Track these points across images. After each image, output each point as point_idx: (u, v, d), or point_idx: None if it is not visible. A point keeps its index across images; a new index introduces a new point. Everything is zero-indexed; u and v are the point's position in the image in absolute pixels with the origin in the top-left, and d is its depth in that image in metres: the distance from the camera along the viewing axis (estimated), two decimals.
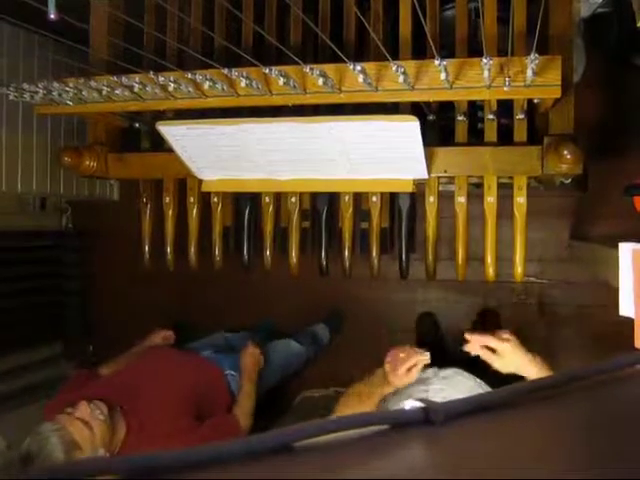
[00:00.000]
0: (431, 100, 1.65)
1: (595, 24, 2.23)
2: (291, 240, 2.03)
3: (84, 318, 3.41)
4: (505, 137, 1.83)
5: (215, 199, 2.06)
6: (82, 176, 2.10)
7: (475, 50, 1.67)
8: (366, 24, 1.46)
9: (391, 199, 2.17)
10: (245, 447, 0.37)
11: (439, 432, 0.41)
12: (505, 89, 1.44)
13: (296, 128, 1.63)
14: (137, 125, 2.09)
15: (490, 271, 1.84)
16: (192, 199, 2.06)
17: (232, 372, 2.25)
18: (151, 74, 1.55)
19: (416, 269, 2.18)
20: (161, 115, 1.89)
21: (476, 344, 1.43)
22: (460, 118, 1.84)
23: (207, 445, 0.36)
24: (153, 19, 2.04)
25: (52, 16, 1.18)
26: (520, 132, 1.80)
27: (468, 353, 1.43)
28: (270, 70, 1.44)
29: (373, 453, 0.38)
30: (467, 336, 1.44)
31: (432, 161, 1.78)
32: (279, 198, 2.08)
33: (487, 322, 2.92)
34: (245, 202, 2.15)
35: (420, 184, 1.84)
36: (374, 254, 1.99)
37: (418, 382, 1.56)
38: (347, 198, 1.94)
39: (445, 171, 1.81)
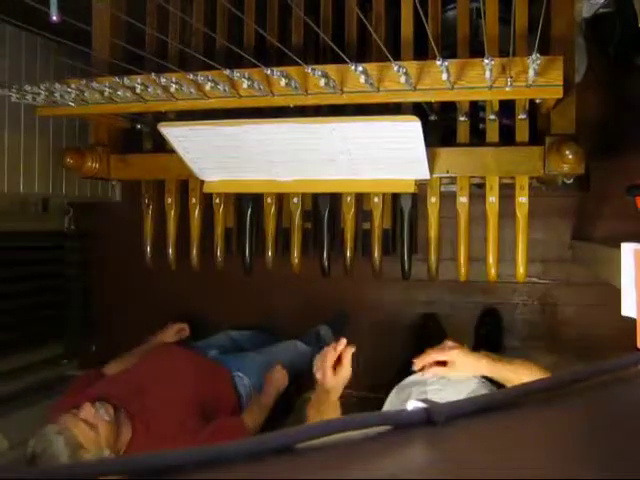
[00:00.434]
0: (433, 100, 1.65)
1: (597, 24, 2.23)
2: (293, 241, 2.03)
3: (86, 319, 3.41)
4: (507, 137, 1.83)
5: (217, 200, 2.07)
6: (84, 177, 2.10)
7: (477, 50, 1.67)
8: (368, 25, 1.46)
9: (393, 200, 2.17)
10: (247, 448, 0.37)
11: (441, 433, 0.41)
12: (507, 89, 1.44)
13: (298, 129, 1.63)
14: (139, 126, 2.09)
15: (492, 271, 1.84)
16: (194, 200, 2.06)
17: (239, 373, 2.24)
18: (153, 75, 1.55)
19: (418, 269, 2.18)
20: (163, 116, 1.89)
21: (425, 364, 1.43)
22: (462, 118, 1.84)
23: (210, 445, 0.36)
24: (155, 20, 2.04)
25: (54, 18, 1.18)
26: (522, 132, 1.80)
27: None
28: (272, 71, 1.44)
29: (375, 454, 0.38)
30: (414, 361, 1.44)
31: (434, 161, 1.78)
32: (281, 199, 2.08)
33: (487, 322, 2.92)
34: (247, 203, 2.15)
35: (422, 184, 1.84)
36: (376, 255, 1.99)
37: (417, 383, 1.56)
38: (349, 199, 1.95)
39: (447, 171, 1.81)
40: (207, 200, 2.08)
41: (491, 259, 1.83)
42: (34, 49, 2.68)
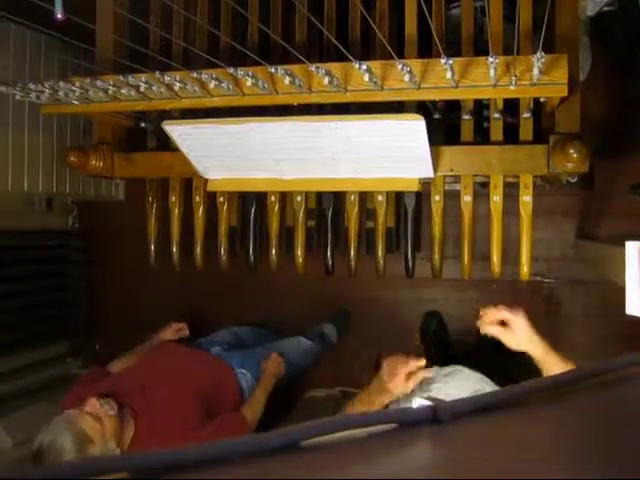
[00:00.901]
0: (437, 99, 1.64)
1: (601, 22, 2.22)
2: (297, 239, 2.03)
3: (90, 317, 3.42)
4: (511, 136, 1.83)
5: (221, 198, 2.07)
6: (88, 176, 2.10)
7: (481, 49, 1.67)
8: (372, 23, 1.45)
9: (397, 198, 2.16)
10: (251, 445, 0.37)
11: (446, 431, 0.41)
12: (511, 88, 1.43)
13: (302, 127, 1.62)
14: (143, 124, 2.09)
15: (496, 270, 1.84)
16: (198, 198, 2.06)
17: (242, 370, 2.24)
18: (157, 73, 1.55)
19: (422, 268, 2.18)
20: (167, 114, 1.89)
21: (491, 317, 1.39)
22: (466, 117, 1.84)
23: (212, 443, 0.36)
24: (159, 19, 2.04)
25: (59, 16, 1.18)
26: (526, 131, 1.80)
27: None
28: (276, 69, 1.44)
29: (380, 451, 0.38)
30: (482, 311, 1.41)
31: (438, 160, 1.78)
32: (285, 197, 2.08)
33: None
34: (251, 201, 2.15)
35: (426, 183, 1.84)
36: (380, 253, 1.99)
37: (421, 381, 1.56)
38: (353, 197, 1.95)
39: (451, 170, 1.81)
40: (211, 198, 2.08)
41: (495, 258, 1.82)
42: (38, 47, 2.69)
